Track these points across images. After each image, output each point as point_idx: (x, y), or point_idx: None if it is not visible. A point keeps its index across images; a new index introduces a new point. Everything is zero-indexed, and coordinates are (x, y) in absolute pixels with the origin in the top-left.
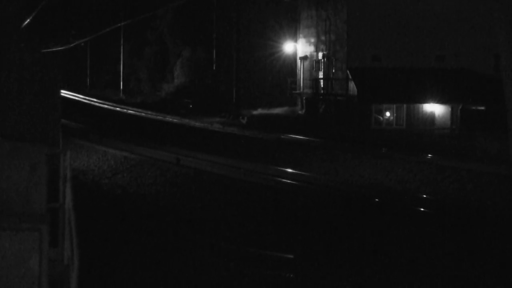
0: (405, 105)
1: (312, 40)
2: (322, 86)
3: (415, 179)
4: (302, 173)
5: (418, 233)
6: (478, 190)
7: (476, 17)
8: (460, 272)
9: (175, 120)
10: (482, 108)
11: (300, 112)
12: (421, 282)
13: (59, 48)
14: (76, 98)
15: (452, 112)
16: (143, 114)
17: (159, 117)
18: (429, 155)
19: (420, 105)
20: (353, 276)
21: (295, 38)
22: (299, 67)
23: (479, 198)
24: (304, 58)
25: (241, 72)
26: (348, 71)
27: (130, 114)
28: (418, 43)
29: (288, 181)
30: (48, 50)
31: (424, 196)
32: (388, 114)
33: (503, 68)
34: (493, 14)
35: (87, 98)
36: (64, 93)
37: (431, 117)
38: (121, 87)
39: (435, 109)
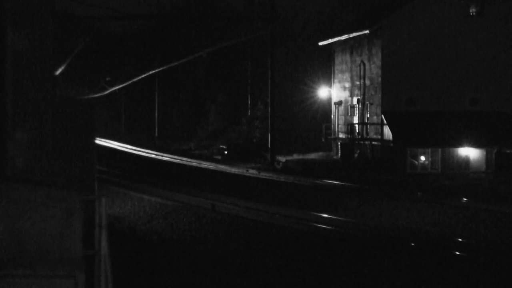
0: (440, 149)
1: (347, 85)
2: (357, 131)
3: (451, 222)
4: (338, 218)
5: (455, 277)
6: None
7: (509, 59)
8: None
9: (210, 166)
10: None
11: (335, 157)
12: None
13: (94, 95)
14: (111, 145)
15: (487, 156)
16: (178, 160)
17: (194, 163)
18: (465, 198)
19: (455, 149)
20: None
21: (329, 83)
22: (334, 112)
23: None
24: (338, 103)
25: (276, 117)
26: (382, 116)
27: (165, 160)
28: (452, 86)
29: (324, 226)
30: (83, 97)
31: (460, 239)
32: (423, 158)
33: None
34: None
35: (121, 144)
36: (99, 139)
37: (465, 161)
38: (156, 133)
39: (469, 153)
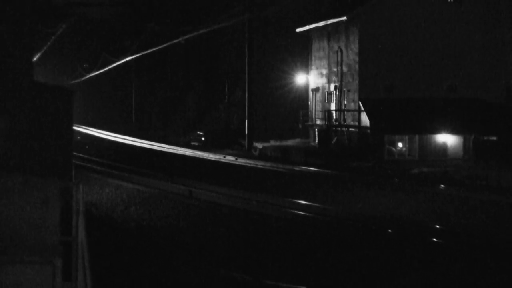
0: (417, 136)
1: (324, 71)
2: (334, 117)
3: (428, 209)
4: (315, 204)
5: (431, 264)
6: (492, 220)
7: (487, 46)
8: None
9: (187, 152)
10: (494, 138)
11: (312, 143)
12: None
13: (72, 82)
14: (88, 131)
15: (464, 143)
16: (155, 146)
17: (171, 150)
18: (442, 185)
19: (433, 136)
20: None
21: (307, 69)
22: (311, 99)
23: (494, 229)
24: (316, 90)
25: (253, 104)
26: (360, 102)
27: (142, 147)
28: (430, 73)
29: (301, 212)
30: (61, 84)
31: (438, 226)
32: (400, 145)
33: None
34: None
35: (98, 131)
36: (76, 126)
37: (443, 148)
38: (133, 120)
39: (447, 139)
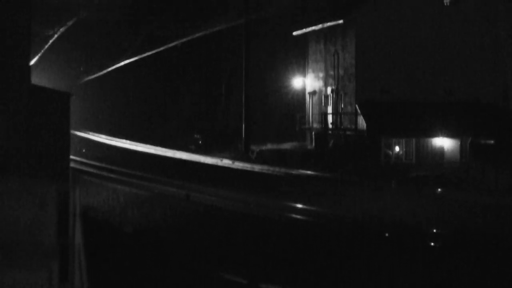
0: (414, 139)
1: (321, 74)
2: (331, 120)
3: (426, 213)
4: (312, 207)
5: (428, 268)
6: (489, 223)
7: (484, 48)
8: None
9: (184, 156)
10: (491, 141)
11: (309, 147)
12: None
13: (70, 85)
14: (85, 136)
15: (461, 146)
16: (152, 150)
17: (169, 154)
18: (439, 189)
19: (429, 139)
20: None
21: (303, 72)
22: (308, 102)
23: (491, 232)
24: (312, 93)
25: (250, 107)
26: (357, 106)
27: (139, 150)
28: (427, 76)
29: (298, 216)
30: (58, 88)
31: (435, 230)
32: (397, 148)
33: None
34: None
35: (96, 134)
36: (74, 131)
37: (440, 151)
38: (131, 123)
39: (444, 143)
